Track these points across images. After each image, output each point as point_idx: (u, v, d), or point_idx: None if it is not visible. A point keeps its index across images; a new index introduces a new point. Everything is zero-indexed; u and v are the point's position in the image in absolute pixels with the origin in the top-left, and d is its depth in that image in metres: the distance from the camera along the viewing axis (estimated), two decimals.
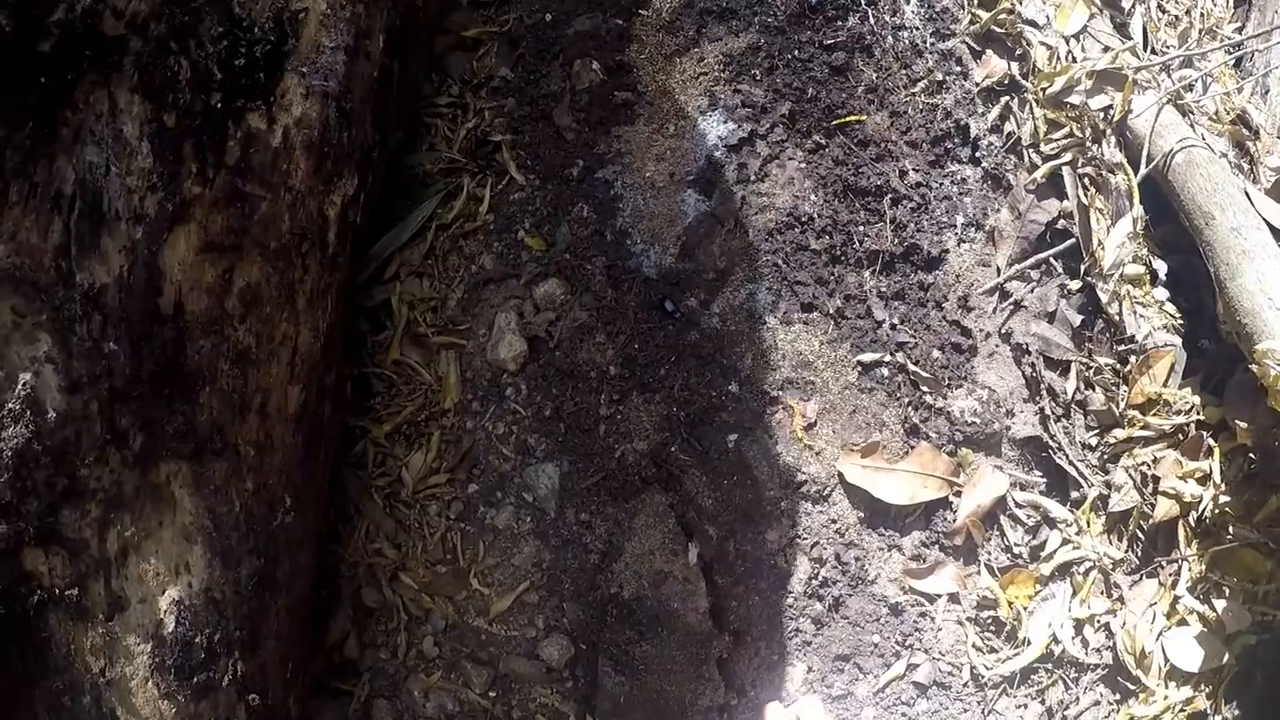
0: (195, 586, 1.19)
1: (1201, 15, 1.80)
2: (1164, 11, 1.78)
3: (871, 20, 1.69)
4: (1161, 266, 1.50)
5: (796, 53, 1.66)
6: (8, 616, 1.08)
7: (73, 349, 1.12)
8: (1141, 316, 1.45)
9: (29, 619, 1.09)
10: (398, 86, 1.52)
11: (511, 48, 1.73)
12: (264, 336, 1.27)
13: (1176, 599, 1.41)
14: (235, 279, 1.25)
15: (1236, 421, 1.38)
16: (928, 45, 1.67)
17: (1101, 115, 1.53)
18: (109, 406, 1.14)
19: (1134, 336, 1.45)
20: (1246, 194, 1.40)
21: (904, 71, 1.66)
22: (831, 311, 1.50)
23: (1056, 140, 1.55)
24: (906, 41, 1.68)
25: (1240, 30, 1.83)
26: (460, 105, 1.71)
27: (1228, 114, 1.62)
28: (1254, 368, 1.25)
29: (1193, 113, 1.61)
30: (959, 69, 1.65)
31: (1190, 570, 1.41)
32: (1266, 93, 1.70)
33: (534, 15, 1.76)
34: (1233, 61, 1.76)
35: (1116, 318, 1.47)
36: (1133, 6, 1.73)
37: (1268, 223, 1.39)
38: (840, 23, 1.69)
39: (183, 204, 1.20)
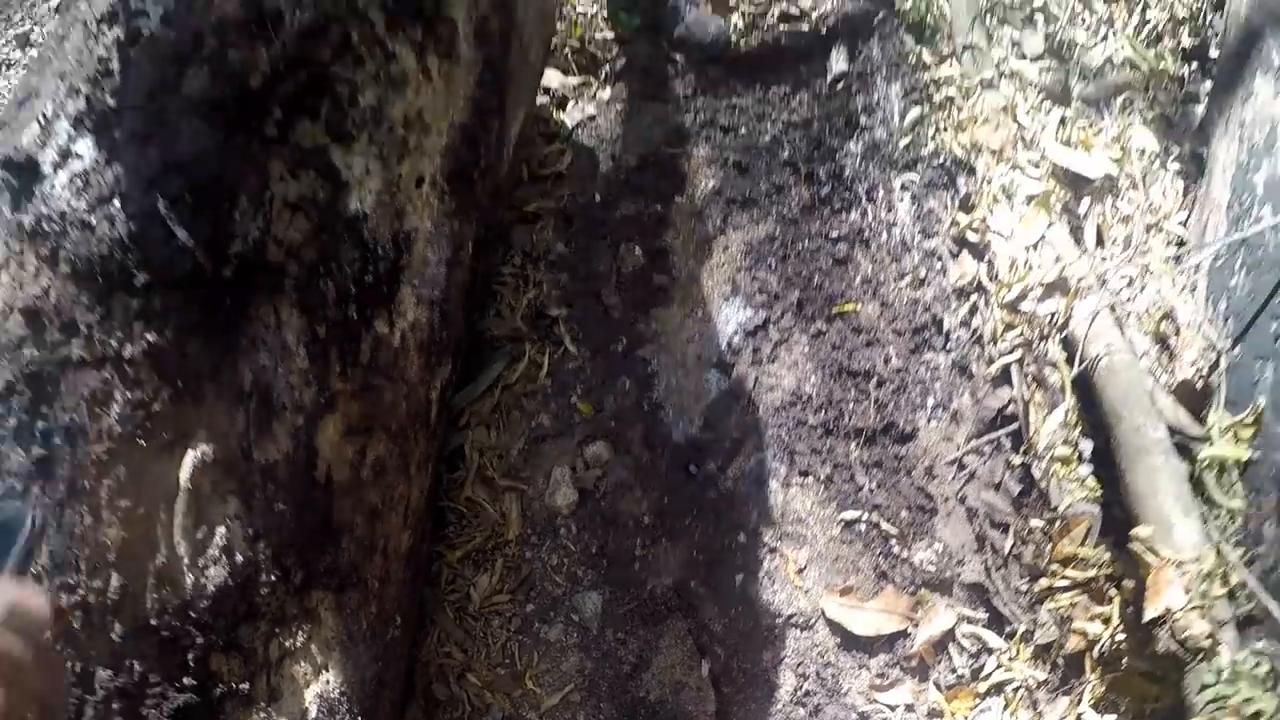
0: (332, 684, 1.82)
1: (1151, 209, 2.50)
2: (1117, 209, 2.47)
3: (870, 216, 2.37)
4: (1088, 446, 2.14)
5: (806, 242, 2.34)
6: (200, 704, 1.67)
7: (254, 508, 1.74)
8: (1066, 490, 2.10)
9: (214, 706, 1.65)
10: (480, 281, 2.20)
11: (566, 224, 2.41)
12: (387, 497, 1.93)
13: (1080, 715, 2.05)
14: (368, 454, 1.90)
15: (1126, 579, 2.06)
16: (915, 243, 2.35)
17: (1048, 320, 2.19)
18: (279, 551, 1.76)
19: (1058, 507, 2.12)
20: (1152, 396, 2.09)
21: (894, 265, 2.34)
22: (823, 477, 2.15)
23: (1010, 340, 2.19)
24: (898, 237, 2.36)
25: (1185, 223, 2.52)
26: (522, 276, 2.38)
27: (1158, 310, 2.30)
28: (1131, 546, 1.94)
29: (1127, 311, 2.29)
30: (939, 266, 2.32)
31: (1093, 692, 2.04)
32: (1194, 290, 2.39)
33: (585, 193, 2.44)
34: (1174, 255, 2.45)
35: (1047, 490, 2.13)
36: (1088, 209, 2.43)
37: (1167, 423, 2.08)
38: (845, 214, 2.37)
39: (330, 397, 1.83)
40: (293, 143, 1.76)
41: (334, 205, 1.81)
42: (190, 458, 1.60)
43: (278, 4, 1.77)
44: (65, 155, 1.61)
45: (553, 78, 2.78)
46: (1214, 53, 2.90)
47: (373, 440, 1.90)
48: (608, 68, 2.80)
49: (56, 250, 1.57)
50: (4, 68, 4.17)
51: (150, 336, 1.57)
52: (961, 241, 2.33)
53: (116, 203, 1.58)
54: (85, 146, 1.61)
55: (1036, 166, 2.37)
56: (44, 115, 1.65)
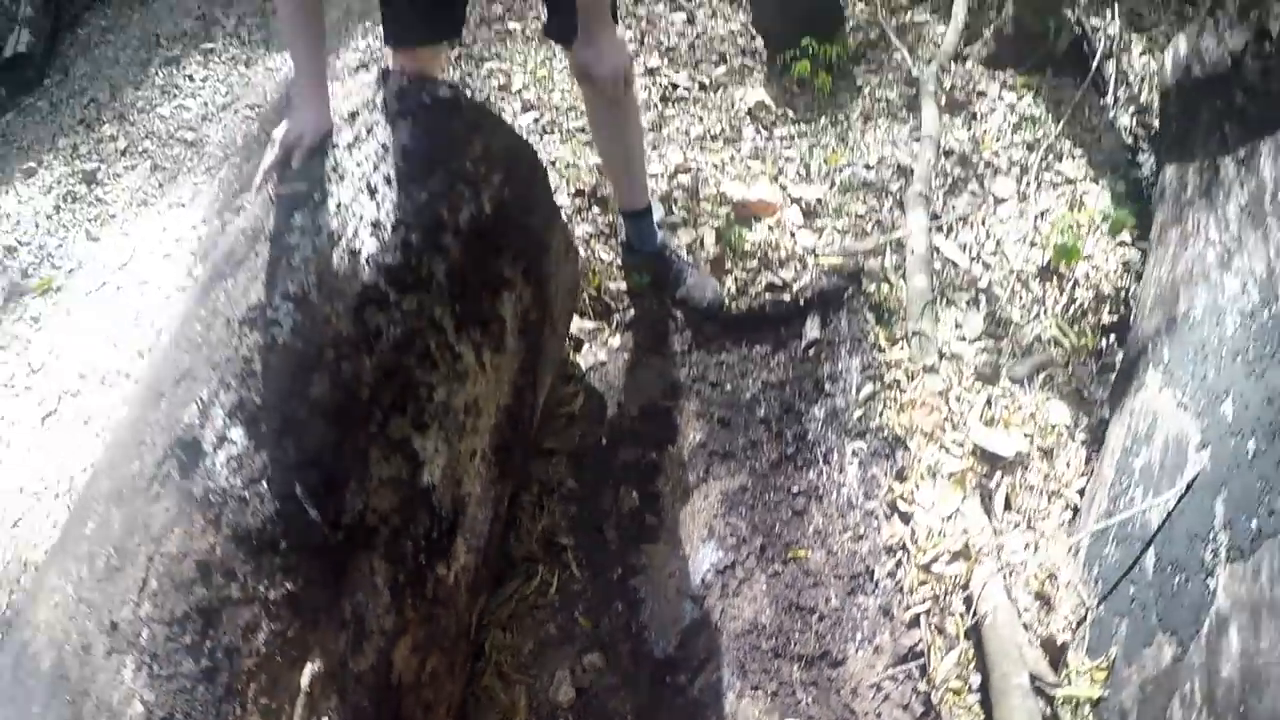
0: None
1: (1055, 478, 3.43)
2: (1025, 480, 3.40)
3: (825, 475, 3.29)
4: (976, 680, 2.97)
5: (772, 495, 3.26)
6: None
7: (348, 704, 2.34)
8: (956, 715, 2.94)
9: None
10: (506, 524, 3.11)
11: (577, 463, 3.32)
12: (438, 694, 2.72)
13: None
14: (427, 664, 2.71)
15: None
16: (859, 503, 3.26)
17: (952, 580, 3.10)
18: None
19: None
20: (1021, 651, 3.00)
21: (840, 520, 3.24)
22: (770, 692, 3.00)
23: (922, 593, 3.05)
24: (846, 497, 3.27)
25: (1082, 492, 3.45)
26: (539, 505, 3.27)
27: (1044, 572, 3.22)
28: None
29: (1017, 574, 3.19)
30: (875, 525, 3.22)
31: None
32: (1077, 554, 3.31)
33: (594, 435, 3.35)
34: (1067, 522, 3.38)
35: (941, 713, 3.01)
36: (1000, 481, 3.37)
37: (1031, 671, 2.98)
38: (806, 471, 3.30)
39: (405, 623, 2.57)
40: (387, 434, 2.61)
41: (413, 480, 2.47)
42: (309, 669, 2.12)
43: (378, 321, 2.68)
44: (222, 439, 2.22)
45: (572, 321, 3.73)
46: (1134, 320, 3.80)
47: (431, 654, 2.70)
48: (618, 316, 3.75)
49: (220, 517, 2.21)
50: (69, 199, 5.11)
51: (288, 585, 2.14)
52: (894, 507, 3.22)
53: (264, 484, 2.33)
54: (238, 434, 2.30)
55: (960, 446, 3.29)
56: (201, 399, 2.35)
